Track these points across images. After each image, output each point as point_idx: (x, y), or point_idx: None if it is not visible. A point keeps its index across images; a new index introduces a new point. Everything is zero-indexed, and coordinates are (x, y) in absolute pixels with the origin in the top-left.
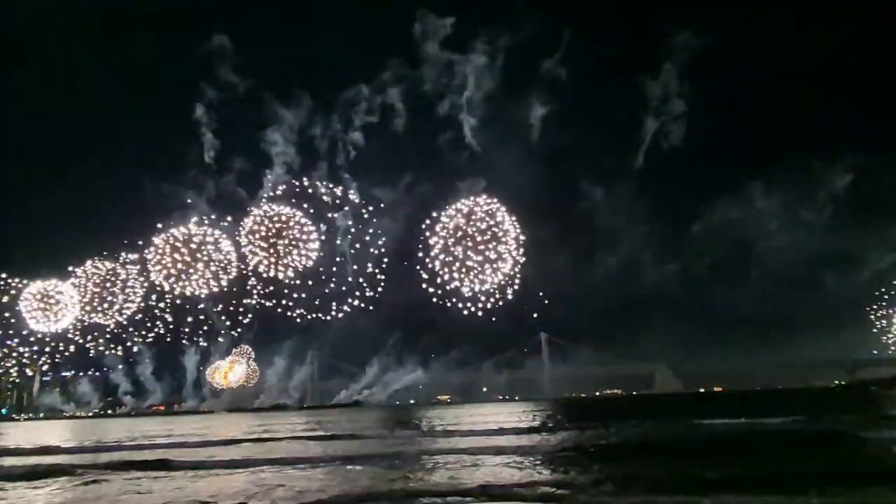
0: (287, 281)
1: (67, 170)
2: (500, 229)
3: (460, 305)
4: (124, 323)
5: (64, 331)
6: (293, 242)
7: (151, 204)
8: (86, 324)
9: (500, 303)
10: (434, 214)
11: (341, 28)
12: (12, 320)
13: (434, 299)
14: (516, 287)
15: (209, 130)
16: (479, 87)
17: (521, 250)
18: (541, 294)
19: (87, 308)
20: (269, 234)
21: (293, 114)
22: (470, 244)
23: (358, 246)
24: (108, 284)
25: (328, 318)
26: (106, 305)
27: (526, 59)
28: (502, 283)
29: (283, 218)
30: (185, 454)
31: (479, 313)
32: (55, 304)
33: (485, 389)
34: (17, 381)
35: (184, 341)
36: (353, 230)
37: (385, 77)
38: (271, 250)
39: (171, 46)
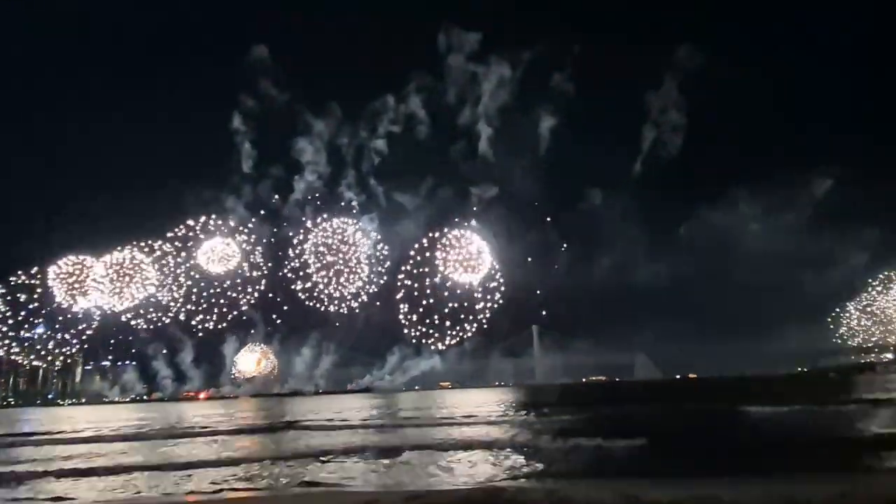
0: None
1: (110, 174)
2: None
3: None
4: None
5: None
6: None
7: (193, 207)
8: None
9: (500, 301)
10: (445, 229)
11: (370, 40)
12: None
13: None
14: (503, 289)
15: (247, 140)
16: (496, 100)
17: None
18: (538, 292)
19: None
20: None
21: (324, 123)
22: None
23: (381, 247)
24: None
25: (354, 303)
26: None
27: (538, 73)
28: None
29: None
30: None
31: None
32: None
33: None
34: (61, 368)
35: (222, 324)
36: (378, 234)
37: (409, 88)
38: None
39: (211, 56)
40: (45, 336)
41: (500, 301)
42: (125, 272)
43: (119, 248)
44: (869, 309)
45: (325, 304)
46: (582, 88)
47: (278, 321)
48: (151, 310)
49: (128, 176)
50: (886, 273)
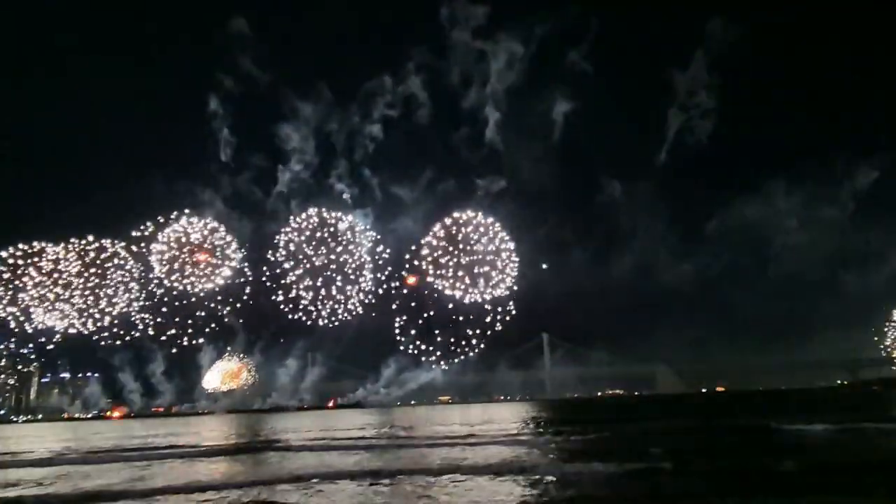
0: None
1: (64, 162)
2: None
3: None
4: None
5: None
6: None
7: (163, 202)
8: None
9: (510, 307)
10: (447, 221)
11: (364, 12)
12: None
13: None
14: (515, 296)
15: (224, 125)
16: (504, 80)
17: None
18: (549, 296)
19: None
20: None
21: (312, 106)
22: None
23: (380, 248)
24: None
25: (347, 317)
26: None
27: (552, 51)
28: (502, 293)
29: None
30: None
31: (487, 318)
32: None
33: (491, 390)
34: (15, 382)
35: (199, 339)
36: (373, 232)
37: (409, 67)
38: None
39: (184, 30)
40: None
41: (511, 308)
42: (86, 272)
43: (73, 243)
44: None
45: (313, 311)
46: (601, 68)
47: (260, 328)
48: (116, 321)
49: (85, 165)
50: None
